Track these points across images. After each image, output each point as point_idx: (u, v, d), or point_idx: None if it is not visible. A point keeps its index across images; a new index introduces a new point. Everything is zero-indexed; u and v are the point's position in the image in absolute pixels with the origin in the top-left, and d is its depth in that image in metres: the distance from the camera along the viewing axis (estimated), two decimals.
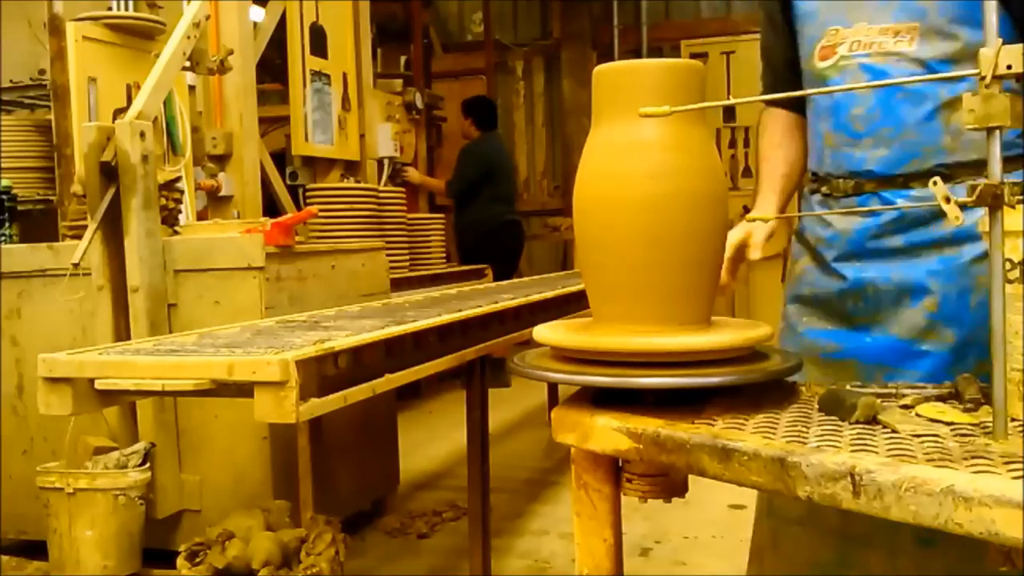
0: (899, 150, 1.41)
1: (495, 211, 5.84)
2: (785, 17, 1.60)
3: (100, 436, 2.34)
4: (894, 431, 0.96)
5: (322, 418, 1.96)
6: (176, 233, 2.60)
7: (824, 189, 1.53)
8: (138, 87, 2.79)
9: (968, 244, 1.40)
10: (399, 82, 5.63)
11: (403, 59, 6.73)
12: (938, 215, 1.36)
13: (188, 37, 2.77)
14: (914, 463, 0.82)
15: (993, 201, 0.84)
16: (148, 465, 2.25)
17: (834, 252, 1.50)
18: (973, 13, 1.34)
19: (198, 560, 2.01)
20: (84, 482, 2.16)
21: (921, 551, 1.38)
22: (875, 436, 0.94)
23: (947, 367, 1.36)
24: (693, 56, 7.15)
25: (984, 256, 1.38)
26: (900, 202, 1.42)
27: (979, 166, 1.37)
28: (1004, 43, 1.32)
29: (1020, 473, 0.77)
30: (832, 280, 1.50)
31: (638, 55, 6.74)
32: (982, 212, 1.36)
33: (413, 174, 5.58)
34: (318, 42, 4.32)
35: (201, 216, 3.45)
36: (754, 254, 1.52)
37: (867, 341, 1.47)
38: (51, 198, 3.77)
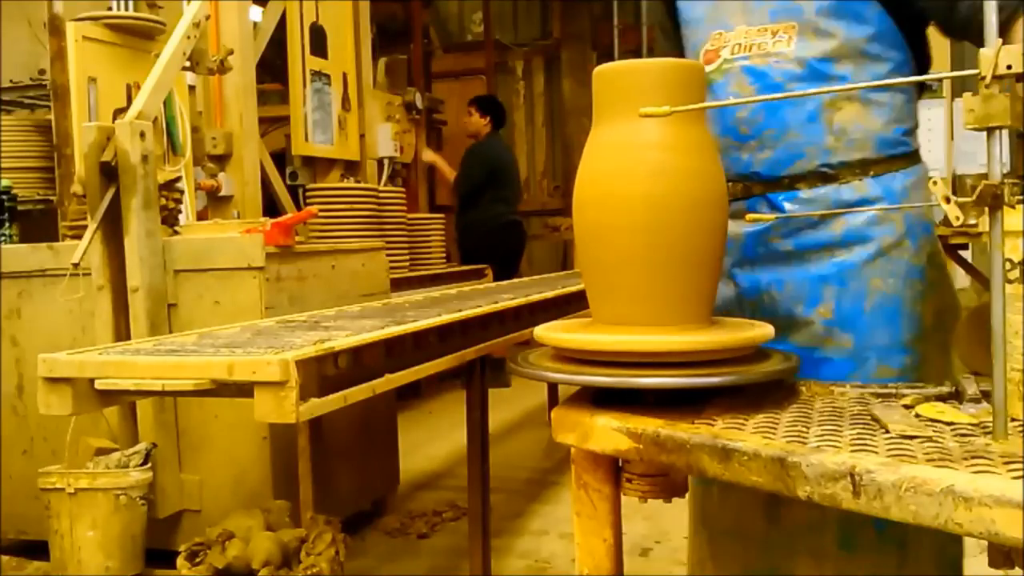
0: (783, 152, 1.41)
1: (497, 211, 5.83)
2: (674, 23, 1.60)
3: (101, 437, 2.34)
4: (894, 431, 0.96)
5: (322, 418, 1.96)
6: (176, 233, 2.60)
7: None
8: (138, 87, 2.79)
9: (859, 247, 1.40)
10: (398, 98, 5.57)
11: (404, 58, 6.72)
12: (825, 218, 1.40)
13: (188, 37, 2.77)
14: (914, 463, 0.82)
15: (993, 201, 0.84)
16: (150, 465, 2.24)
17: (730, 259, 1.48)
18: (847, 9, 1.36)
19: (198, 560, 2.01)
20: (85, 482, 2.16)
21: (844, 555, 1.39)
22: (875, 436, 0.94)
23: (848, 372, 1.36)
24: None
25: (875, 258, 1.40)
26: (788, 205, 1.42)
27: (864, 165, 1.40)
28: (877, 35, 1.33)
29: (1020, 473, 0.77)
30: (729, 288, 1.50)
31: (638, 55, 6.71)
32: (873, 214, 1.37)
33: (428, 153, 5.50)
34: (318, 42, 4.32)
35: (201, 216, 3.45)
36: None
37: None
38: (51, 198, 3.77)
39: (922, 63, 1.46)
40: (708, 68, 1.47)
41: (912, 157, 1.46)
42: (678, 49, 1.61)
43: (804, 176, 1.41)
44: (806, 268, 1.43)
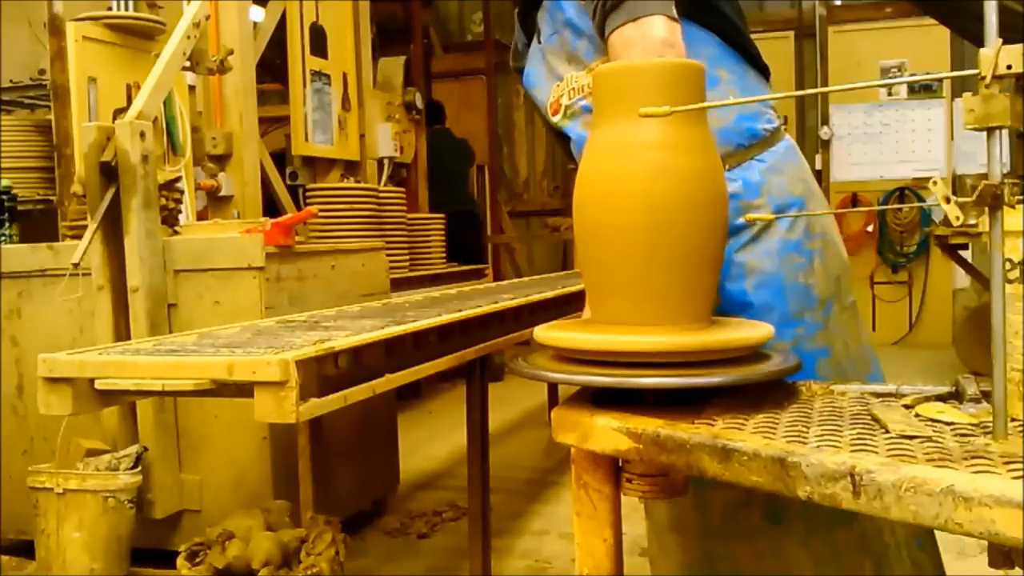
0: None
1: (439, 202, 5.92)
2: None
3: (93, 439, 2.33)
4: (893, 431, 0.96)
5: (322, 418, 1.96)
6: (176, 233, 2.60)
7: None
8: (138, 87, 2.79)
9: (731, 239, 1.44)
10: (398, 98, 5.55)
11: (404, 58, 6.71)
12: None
13: (188, 37, 2.77)
14: (914, 463, 0.82)
15: (993, 201, 0.84)
16: (139, 469, 2.24)
17: None
18: None
19: (198, 560, 2.01)
20: (74, 483, 2.16)
21: (774, 528, 1.43)
22: (875, 436, 0.94)
23: None
24: None
25: (747, 244, 1.46)
26: None
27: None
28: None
29: (1020, 473, 0.77)
30: None
31: None
32: (737, 203, 1.41)
33: None
34: (318, 42, 4.32)
35: (201, 216, 3.45)
36: None
37: None
38: (51, 198, 3.77)
39: (738, 29, 1.51)
40: (557, 118, 1.57)
41: (766, 140, 1.50)
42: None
43: None
44: None
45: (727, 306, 1.45)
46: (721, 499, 1.45)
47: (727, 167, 1.44)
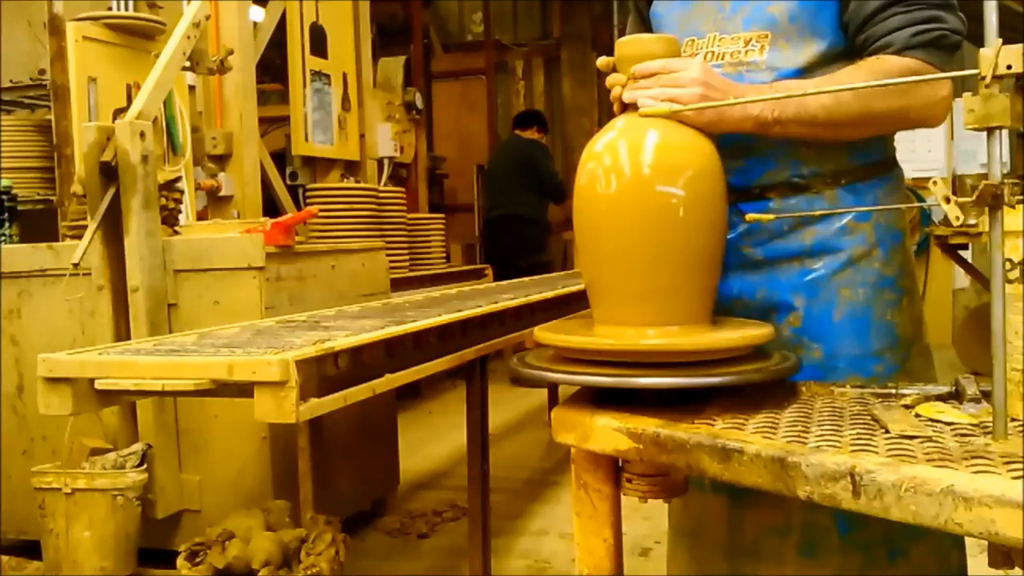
0: (754, 161, 1.38)
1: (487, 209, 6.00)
2: (648, 26, 1.57)
3: (96, 438, 2.33)
4: (893, 431, 0.96)
5: (322, 418, 1.96)
6: (176, 233, 2.60)
7: None
8: (138, 87, 2.79)
9: (828, 257, 1.40)
10: (398, 98, 5.56)
11: (404, 58, 6.72)
12: (795, 227, 1.39)
13: (188, 37, 2.77)
14: (914, 463, 0.82)
15: (993, 201, 0.84)
16: (145, 466, 2.24)
17: None
18: (820, 23, 1.35)
19: (198, 560, 2.01)
20: (83, 482, 2.15)
21: (805, 560, 1.38)
22: (875, 436, 0.94)
23: (817, 380, 1.33)
24: None
25: (844, 268, 1.39)
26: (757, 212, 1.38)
27: (836, 176, 1.39)
28: (843, 51, 1.33)
29: (1020, 473, 0.77)
30: None
31: None
32: (843, 221, 1.38)
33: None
34: (318, 42, 4.33)
35: (201, 216, 3.45)
36: None
37: None
38: (51, 198, 3.77)
39: None
40: None
41: (886, 165, 1.45)
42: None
43: (774, 186, 1.40)
44: (776, 277, 1.42)
45: (808, 322, 1.40)
46: (757, 522, 1.41)
47: (842, 183, 1.39)
